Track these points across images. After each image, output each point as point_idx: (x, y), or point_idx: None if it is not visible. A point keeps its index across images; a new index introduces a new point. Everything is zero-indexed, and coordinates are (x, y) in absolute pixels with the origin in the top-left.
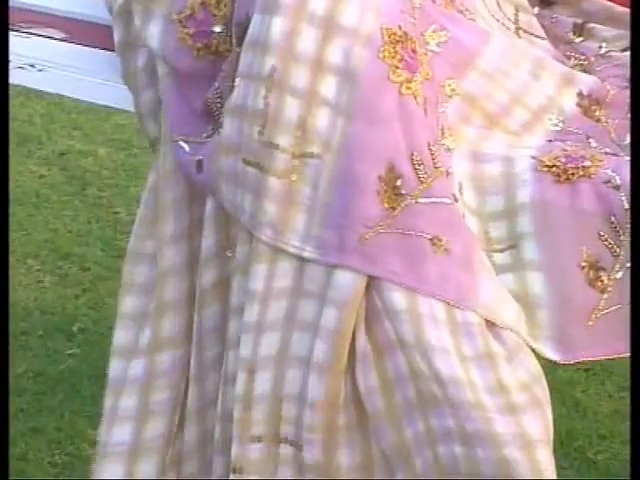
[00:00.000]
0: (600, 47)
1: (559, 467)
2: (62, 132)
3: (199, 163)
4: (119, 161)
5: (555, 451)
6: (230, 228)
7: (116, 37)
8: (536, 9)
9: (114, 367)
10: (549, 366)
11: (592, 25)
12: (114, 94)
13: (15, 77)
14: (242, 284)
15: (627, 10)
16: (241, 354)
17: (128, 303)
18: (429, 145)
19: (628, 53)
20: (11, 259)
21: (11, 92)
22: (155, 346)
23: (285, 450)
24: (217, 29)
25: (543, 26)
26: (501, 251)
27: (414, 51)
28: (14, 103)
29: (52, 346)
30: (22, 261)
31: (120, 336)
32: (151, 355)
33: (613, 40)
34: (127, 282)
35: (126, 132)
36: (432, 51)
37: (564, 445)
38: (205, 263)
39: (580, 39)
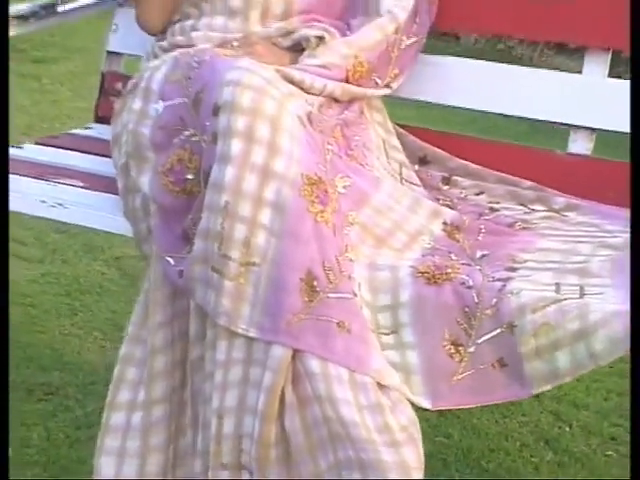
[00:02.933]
0: (461, 192)
1: (462, 474)
2: (118, 241)
3: (180, 272)
4: None
5: (458, 461)
6: (204, 317)
7: (119, 185)
8: (416, 166)
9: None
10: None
11: (455, 177)
12: (119, 224)
13: (49, 213)
14: (211, 355)
15: (480, 167)
16: (213, 406)
17: (120, 395)
18: (336, 257)
19: (482, 196)
20: (80, 332)
21: None
22: (149, 403)
23: (245, 475)
24: (190, 176)
25: (420, 178)
26: (387, 334)
27: (326, 191)
28: None
29: None
30: (89, 333)
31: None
32: (147, 409)
33: (470, 187)
34: (119, 378)
35: None
36: (339, 192)
37: (465, 457)
38: (193, 343)
39: (447, 187)
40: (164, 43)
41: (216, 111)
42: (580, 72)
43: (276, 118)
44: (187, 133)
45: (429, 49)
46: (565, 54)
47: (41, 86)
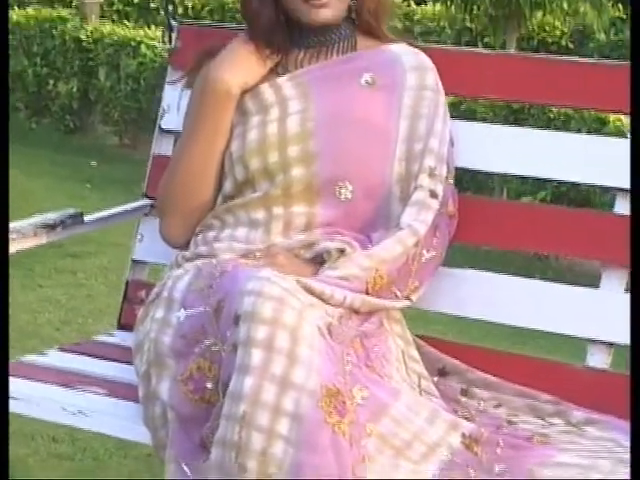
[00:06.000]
0: (479, 404)
1: None
2: None
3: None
4: None
5: None
6: None
7: (140, 393)
8: (435, 377)
9: None
10: None
11: (474, 389)
12: (139, 433)
13: (70, 420)
14: None
15: (498, 379)
16: None
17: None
18: (353, 468)
19: (501, 409)
20: None
21: None
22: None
23: None
24: (209, 385)
25: (439, 389)
26: None
27: (344, 402)
28: None
29: None
30: None
31: None
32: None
33: (489, 400)
34: None
35: None
36: (357, 403)
37: None
38: None
39: (465, 399)
40: (187, 253)
41: (237, 320)
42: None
43: (296, 328)
44: (207, 342)
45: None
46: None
47: (76, 280)
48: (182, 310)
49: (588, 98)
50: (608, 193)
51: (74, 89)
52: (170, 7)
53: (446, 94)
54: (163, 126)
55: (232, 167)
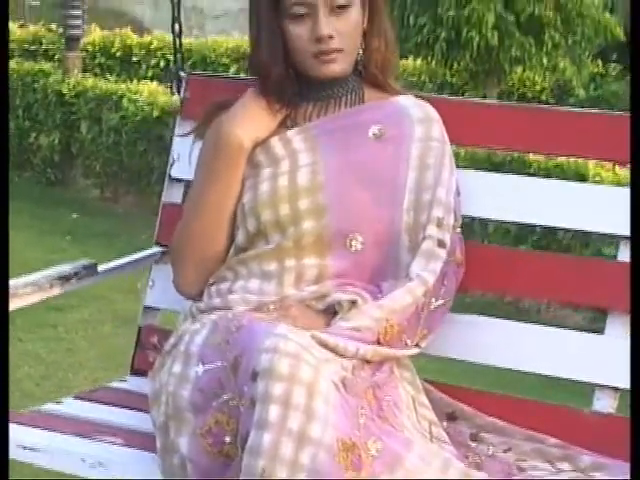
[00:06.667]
0: (489, 449)
1: None
2: None
3: None
4: None
5: None
6: None
7: (158, 443)
8: (444, 422)
9: None
10: None
11: (483, 434)
12: None
13: (90, 473)
14: None
15: (507, 424)
16: None
17: None
18: None
19: (509, 453)
20: None
21: None
22: None
23: None
24: (228, 439)
25: (449, 434)
26: None
27: (359, 456)
28: None
29: None
30: None
31: None
32: None
33: (498, 445)
34: None
35: None
36: (372, 455)
37: None
38: None
39: (475, 444)
40: (202, 305)
41: (254, 377)
42: (592, 330)
43: (312, 384)
44: (225, 397)
45: None
46: (571, 307)
47: (57, 334)
48: (200, 365)
49: (589, 147)
50: (589, 245)
51: (56, 142)
52: (179, 56)
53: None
54: (173, 175)
55: (244, 219)
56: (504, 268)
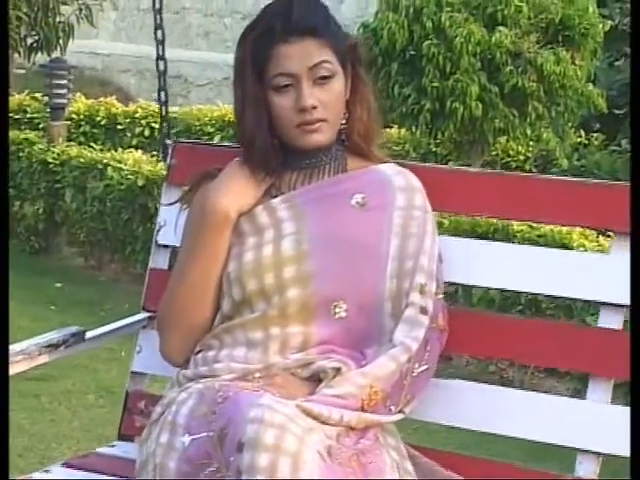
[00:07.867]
0: None
1: None
2: None
3: None
4: None
5: None
6: None
7: None
8: None
9: None
10: None
11: None
12: None
13: None
14: None
15: None
16: None
17: None
18: None
19: None
20: None
21: None
22: None
23: None
24: None
25: None
26: None
27: None
28: None
29: None
30: None
31: None
32: None
33: None
34: None
35: None
36: None
37: None
38: None
39: None
40: (188, 372)
41: (240, 448)
42: (574, 396)
43: (297, 454)
44: (212, 469)
45: None
46: (555, 377)
47: (40, 404)
48: (186, 435)
49: (573, 215)
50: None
51: (40, 210)
52: (165, 124)
53: (433, 210)
54: (159, 241)
55: (230, 287)
56: (489, 333)
